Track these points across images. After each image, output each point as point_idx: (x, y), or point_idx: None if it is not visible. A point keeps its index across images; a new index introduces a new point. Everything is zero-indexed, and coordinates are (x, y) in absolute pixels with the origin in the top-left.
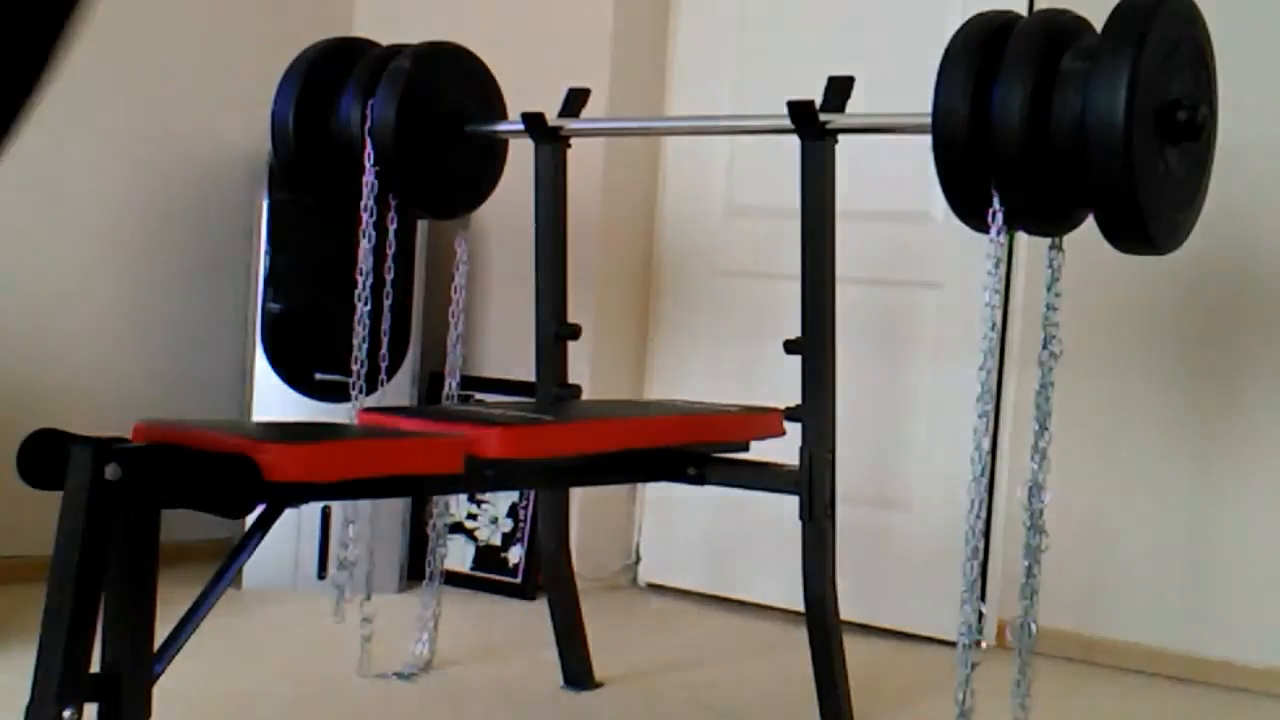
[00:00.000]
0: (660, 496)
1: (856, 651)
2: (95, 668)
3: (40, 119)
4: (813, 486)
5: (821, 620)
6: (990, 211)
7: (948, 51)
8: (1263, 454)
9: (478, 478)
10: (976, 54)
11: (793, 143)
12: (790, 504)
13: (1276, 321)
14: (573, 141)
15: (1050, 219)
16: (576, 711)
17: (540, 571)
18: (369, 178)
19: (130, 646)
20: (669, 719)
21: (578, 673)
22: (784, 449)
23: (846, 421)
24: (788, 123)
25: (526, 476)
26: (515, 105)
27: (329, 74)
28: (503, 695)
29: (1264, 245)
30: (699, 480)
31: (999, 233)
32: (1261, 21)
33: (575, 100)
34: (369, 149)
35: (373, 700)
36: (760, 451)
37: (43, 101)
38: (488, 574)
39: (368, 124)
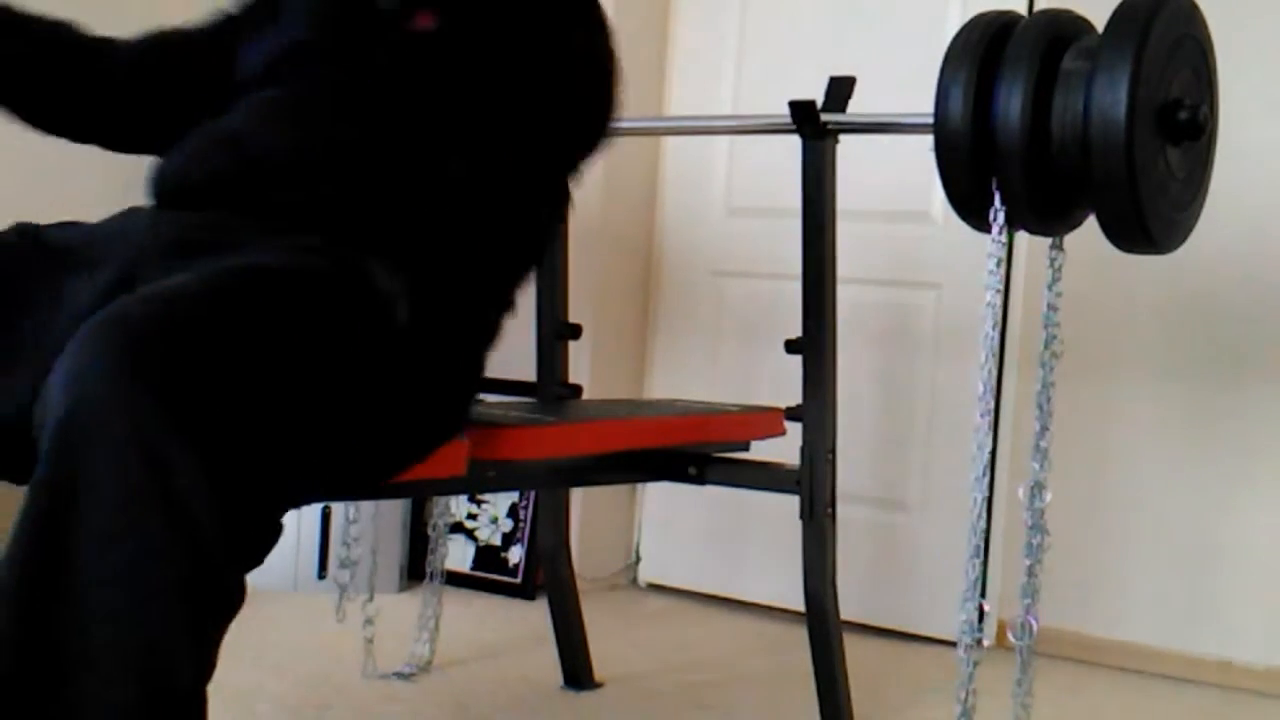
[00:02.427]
0: (660, 496)
1: (856, 651)
2: None
3: None
4: (813, 486)
5: (821, 620)
6: (991, 211)
7: (948, 51)
8: (1264, 453)
9: (479, 478)
10: (977, 54)
11: (793, 143)
12: (790, 503)
13: (1278, 321)
14: None
15: (1051, 218)
16: (576, 711)
17: (540, 571)
18: None
19: None
20: (669, 719)
21: (578, 672)
22: (784, 449)
23: (847, 421)
24: (788, 122)
25: (528, 477)
26: None
27: None
28: (503, 695)
29: (1266, 244)
30: (699, 480)
31: (1000, 232)
32: (1262, 21)
33: None
34: None
35: (373, 699)
36: (760, 451)
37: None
38: (488, 574)
39: None
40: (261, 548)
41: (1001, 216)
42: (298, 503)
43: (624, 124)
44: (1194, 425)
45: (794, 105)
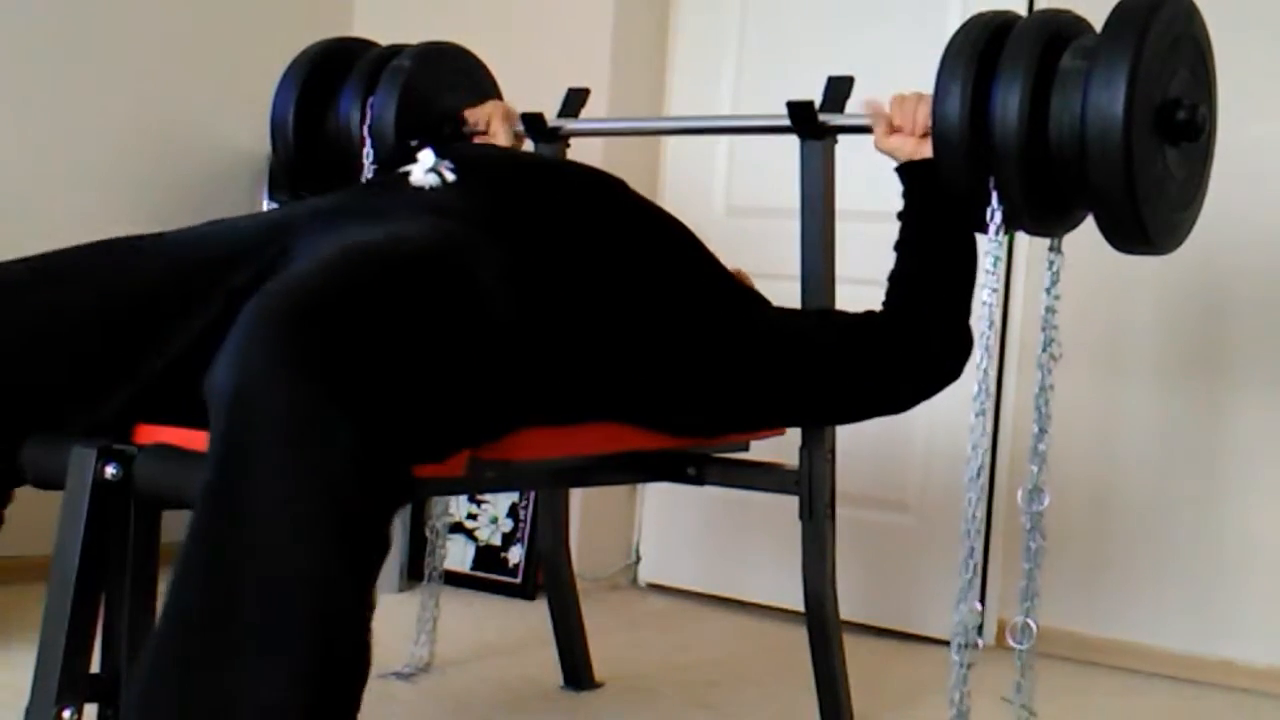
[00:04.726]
0: (660, 496)
1: (856, 651)
2: (95, 668)
3: (39, 120)
4: (812, 486)
5: (821, 620)
6: (989, 211)
7: (946, 51)
8: (1264, 453)
9: (479, 478)
10: (975, 54)
11: (792, 142)
12: (790, 504)
13: (1277, 321)
14: (572, 141)
15: (1049, 219)
16: (576, 711)
17: (540, 571)
18: (368, 176)
19: (130, 647)
20: (669, 719)
21: (577, 672)
22: (784, 449)
23: None
24: (787, 123)
25: (527, 476)
26: (515, 105)
27: (328, 73)
28: (502, 695)
29: (1264, 245)
30: (698, 480)
31: (997, 232)
32: (1261, 21)
33: (575, 100)
34: (368, 148)
35: (372, 700)
36: (760, 451)
37: (34, 100)
38: (487, 574)
39: (367, 123)
40: (401, 498)
41: (999, 217)
42: (421, 454)
43: (624, 124)
44: (1195, 425)
45: (792, 105)
